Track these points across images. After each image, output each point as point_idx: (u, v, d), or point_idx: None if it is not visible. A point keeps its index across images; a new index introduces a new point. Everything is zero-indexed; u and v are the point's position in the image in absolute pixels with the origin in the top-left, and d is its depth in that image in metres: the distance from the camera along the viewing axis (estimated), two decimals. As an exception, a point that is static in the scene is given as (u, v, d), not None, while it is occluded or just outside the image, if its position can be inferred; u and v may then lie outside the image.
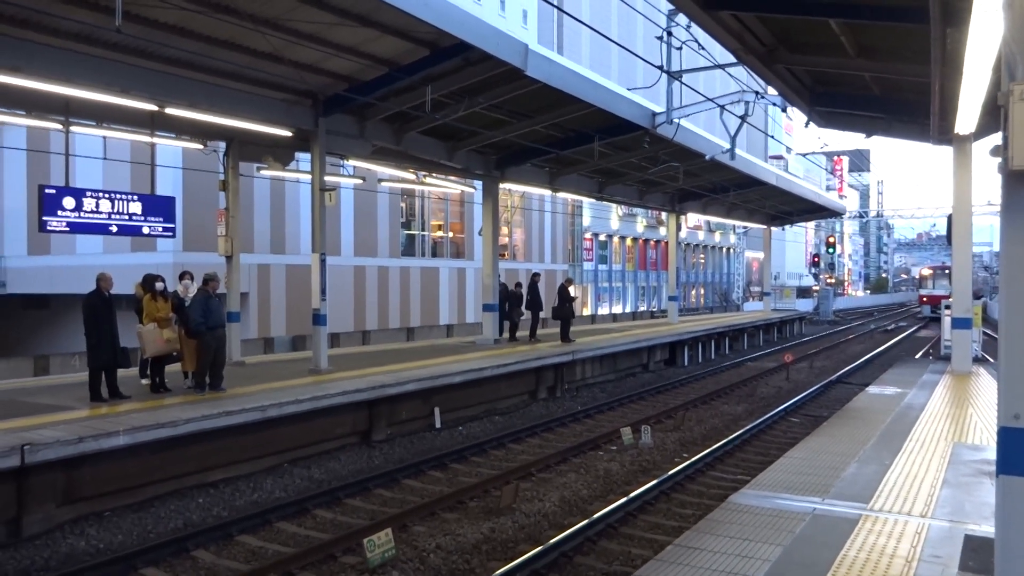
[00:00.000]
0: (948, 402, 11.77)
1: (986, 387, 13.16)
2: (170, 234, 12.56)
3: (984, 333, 21.16)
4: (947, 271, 44.30)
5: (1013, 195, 3.51)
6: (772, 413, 13.94)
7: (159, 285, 10.63)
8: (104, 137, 14.80)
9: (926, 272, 53.78)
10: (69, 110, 11.04)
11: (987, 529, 5.66)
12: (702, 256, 57.89)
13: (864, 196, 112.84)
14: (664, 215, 38.65)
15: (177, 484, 9.03)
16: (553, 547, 6.96)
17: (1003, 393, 3.65)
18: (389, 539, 6.82)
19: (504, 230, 33.82)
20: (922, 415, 10.62)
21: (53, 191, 10.84)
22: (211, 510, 8.53)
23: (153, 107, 10.80)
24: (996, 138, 3.62)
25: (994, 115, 10.20)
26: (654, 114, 16.14)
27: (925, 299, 51.02)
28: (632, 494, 8.67)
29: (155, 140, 12.81)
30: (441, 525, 7.97)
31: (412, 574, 6.63)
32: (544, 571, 6.67)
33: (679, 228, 28.92)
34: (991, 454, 7.92)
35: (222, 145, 14.04)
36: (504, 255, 33.09)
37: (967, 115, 9.67)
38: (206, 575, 6.77)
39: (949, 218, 15.04)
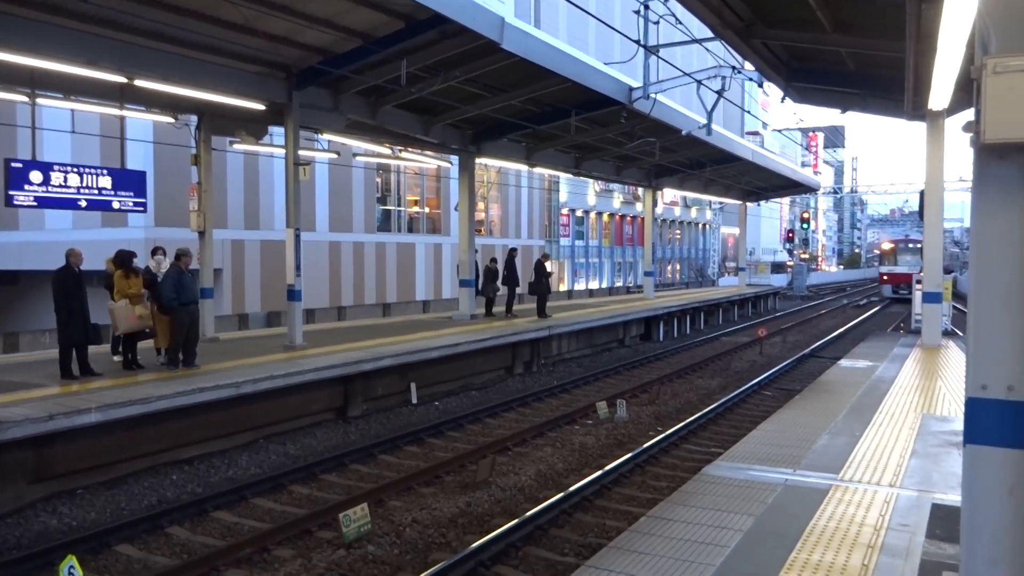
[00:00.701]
0: (918, 375, 11.96)
1: (955, 360, 13.39)
2: (141, 209, 12.38)
3: (954, 307, 21.47)
4: (911, 245, 40.58)
5: (984, 169, 3.54)
6: (746, 387, 14.10)
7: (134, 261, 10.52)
8: (72, 110, 14.49)
9: (887, 246, 43.63)
10: (35, 82, 10.78)
11: (954, 498, 5.78)
12: (678, 232, 58.11)
13: (839, 172, 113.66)
14: (641, 191, 38.74)
15: (151, 461, 8.97)
16: (529, 520, 7.02)
17: (971, 364, 3.71)
18: (365, 514, 6.84)
19: (480, 206, 33.69)
20: (892, 388, 10.79)
21: (20, 165, 10.62)
22: (185, 487, 8.49)
23: (122, 79, 10.57)
24: (969, 114, 3.65)
25: (967, 91, 10.28)
26: (631, 89, 16.08)
27: (885, 278, 41.60)
28: (607, 467, 8.76)
29: (124, 113, 12.57)
30: (417, 499, 8.00)
31: (388, 548, 6.66)
32: (520, 544, 6.72)
33: (655, 204, 28.97)
34: (959, 425, 8.08)
35: (194, 118, 13.81)
36: (480, 231, 32.98)
37: (940, 91, 9.73)
38: (181, 551, 6.75)
39: (921, 194, 15.21)
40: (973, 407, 3.71)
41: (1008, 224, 3.46)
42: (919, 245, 35.44)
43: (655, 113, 16.75)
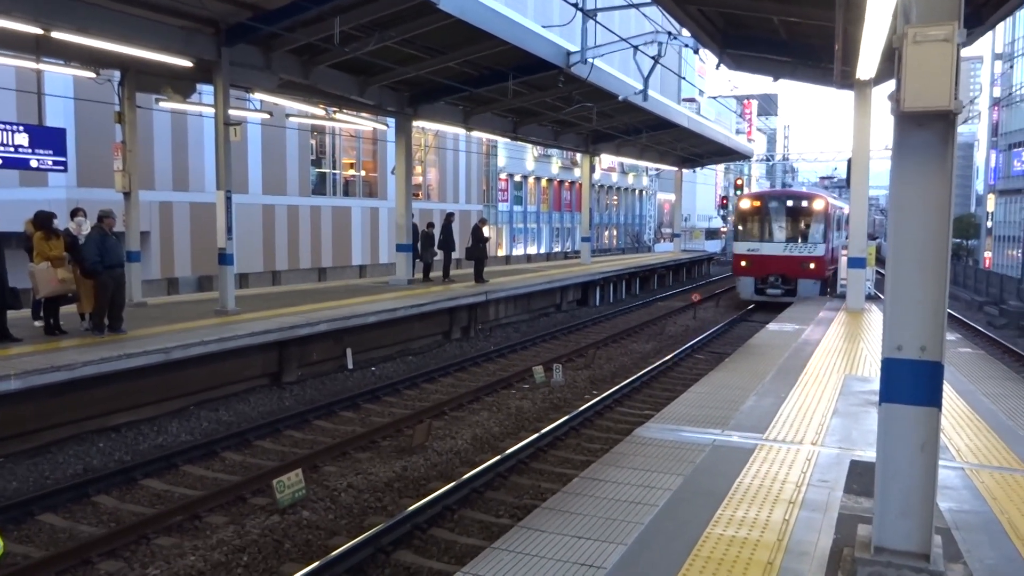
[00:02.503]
0: (841, 337, 12.39)
1: (877, 323, 13.91)
2: (61, 168, 11.84)
3: (877, 272, 22.20)
4: (791, 203, 22.04)
5: (904, 136, 3.65)
6: (679, 350, 14.40)
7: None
8: (-16, 63, 13.73)
9: (746, 205, 22.82)
10: (-58, 32, 10.18)
11: (871, 455, 6.00)
12: (615, 198, 58.52)
13: (771, 140, 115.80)
14: (578, 156, 38.84)
15: (76, 429, 8.73)
16: (465, 483, 7.08)
17: (888, 326, 3.85)
18: (299, 479, 6.80)
19: (418, 169, 33.30)
20: (817, 350, 11.16)
21: (-73, 120, 10.05)
22: (113, 455, 8.30)
23: (38, 30, 10.05)
24: (894, 84, 3.76)
25: (893, 61, 10.55)
26: (568, 53, 16.04)
27: (743, 264, 22.04)
28: (543, 430, 8.87)
29: (42, 67, 11.99)
30: (353, 464, 7.98)
31: (323, 513, 6.64)
32: (456, 507, 6.78)
33: (593, 169, 29.09)
34: (878, 385, 8.42)
35: (117, 74, 13.24)
36: (418, 195, 32.64)
37: (868, 60, 9.95)
38: (108, 520, 6.61)
39: (849, 162, 15.64)
40: (889, 367, 3.86)
41: (924, 190, 3.58)
42: (807, 203, 21.82)
43: (592, 78, 16.75)
